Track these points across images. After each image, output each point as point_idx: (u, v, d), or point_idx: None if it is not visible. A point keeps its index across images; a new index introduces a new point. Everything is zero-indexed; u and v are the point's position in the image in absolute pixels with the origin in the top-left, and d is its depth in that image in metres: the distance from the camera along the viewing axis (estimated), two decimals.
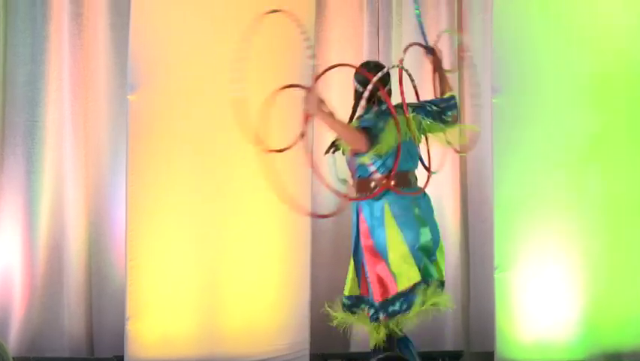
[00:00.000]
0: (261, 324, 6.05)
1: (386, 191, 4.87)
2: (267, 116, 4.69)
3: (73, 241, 6.42)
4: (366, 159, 4.85)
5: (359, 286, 5.03)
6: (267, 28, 6.05)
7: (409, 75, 5.06)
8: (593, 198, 6.10)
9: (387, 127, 4.85)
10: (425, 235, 4.89)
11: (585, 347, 6.09)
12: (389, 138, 4.82)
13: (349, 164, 5.01)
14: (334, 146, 5.01)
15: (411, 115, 4.88)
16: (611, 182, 6.11)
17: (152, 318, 5.92)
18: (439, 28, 6.79)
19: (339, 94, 6.06)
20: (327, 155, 5.04)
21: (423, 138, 5.01)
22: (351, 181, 5.04)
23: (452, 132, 5.02)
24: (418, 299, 4.83)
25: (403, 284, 4.83)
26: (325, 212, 5.66)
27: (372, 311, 4.91)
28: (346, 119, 4.97)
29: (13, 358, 6.14)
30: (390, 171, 4.85)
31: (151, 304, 5.92)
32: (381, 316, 4.86)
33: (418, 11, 5.32)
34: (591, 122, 6.06)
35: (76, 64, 6.49)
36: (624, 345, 6.12)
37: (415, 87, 5.10)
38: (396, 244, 4.85)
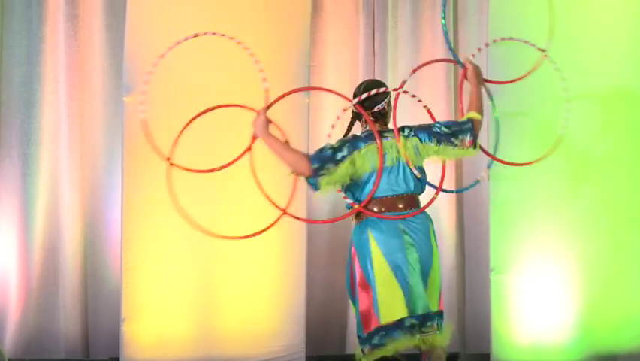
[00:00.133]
0: (256, 326, 6.05)
1: (370, 217, 4.77)
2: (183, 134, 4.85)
3: (68, 242, 6.43)
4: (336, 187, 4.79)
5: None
6: (263, 28, 6.10)
7: (414, 96, 5.02)
8: (589, 200, 6.10)
9: (361, 152, 4.79)
10: (412, 260, 4.69)
11: (581, 349, 6.09)
12: (345, 167, 4.73)
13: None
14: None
15: (402, 139, 4.79)
16: (606, 185, 6.12)
17: (147, 320, 5.92)
18: (435, 31, 6.82)
19: None
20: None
21: (426, 159, 4.81)
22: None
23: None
24: (400, 336, 4.65)
25: (386, 318, 4.67)
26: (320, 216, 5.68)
27: (359, 343, 4.79)
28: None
29: (9, 360, 6.14)
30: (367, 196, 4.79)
31: (146, 306, 5.92)
32: (367, 348, 4.72)
33: (444, 20, 5.23)
34: (588, 124, 6.07)
35: (72, 65, 6.49)
36: (620, 347, 6.12)
37: (426, 107, 4.98)
38: (381, 271, 4.70)
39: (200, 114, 4.95)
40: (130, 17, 5.94)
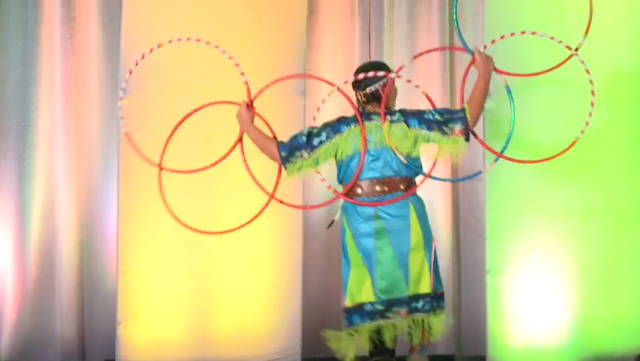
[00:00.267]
0: (252, 328, 6.05)
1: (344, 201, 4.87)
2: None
3: (64, 245, 6.43)
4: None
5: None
6: (259, 31, 6.10)
7: (409, 81, 5.05)
8: (585, 202, 6.10)
9: (343, 135, 4.84)
10: (383, 244, 4.78)
11: (577, 351, 6.08)
12: (322, 151, 4.83)
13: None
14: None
15: (387, 123, 4.83)
16: (603, 187, 6.11)
17: (143, 322, 5.92)
18: (431, 33, 6.82)
19: None
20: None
21: (420, 145, 4.89)
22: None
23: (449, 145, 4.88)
24: (358, 321, 4.79)
25: (350, 300, 4.84)
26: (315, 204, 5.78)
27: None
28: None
29: None
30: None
31: (142, 308, 5.92)
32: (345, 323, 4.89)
33: (455, 11, 5.28)
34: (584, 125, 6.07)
35: (68, 68, 6.50)
36: (615, 350, 6.11)
37: (424, 93, 5.04)
38: (352, 255, 4.83)
39: (185, 117, 5.10)
40: (126, 20, 5.95)
